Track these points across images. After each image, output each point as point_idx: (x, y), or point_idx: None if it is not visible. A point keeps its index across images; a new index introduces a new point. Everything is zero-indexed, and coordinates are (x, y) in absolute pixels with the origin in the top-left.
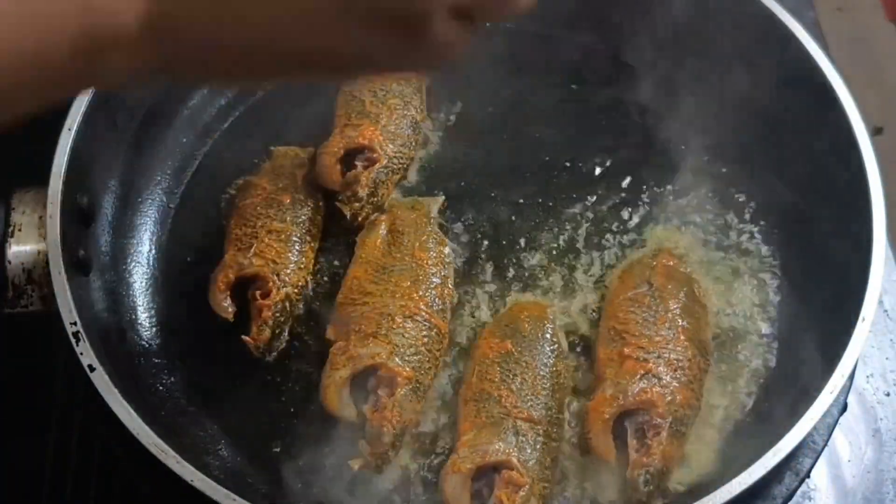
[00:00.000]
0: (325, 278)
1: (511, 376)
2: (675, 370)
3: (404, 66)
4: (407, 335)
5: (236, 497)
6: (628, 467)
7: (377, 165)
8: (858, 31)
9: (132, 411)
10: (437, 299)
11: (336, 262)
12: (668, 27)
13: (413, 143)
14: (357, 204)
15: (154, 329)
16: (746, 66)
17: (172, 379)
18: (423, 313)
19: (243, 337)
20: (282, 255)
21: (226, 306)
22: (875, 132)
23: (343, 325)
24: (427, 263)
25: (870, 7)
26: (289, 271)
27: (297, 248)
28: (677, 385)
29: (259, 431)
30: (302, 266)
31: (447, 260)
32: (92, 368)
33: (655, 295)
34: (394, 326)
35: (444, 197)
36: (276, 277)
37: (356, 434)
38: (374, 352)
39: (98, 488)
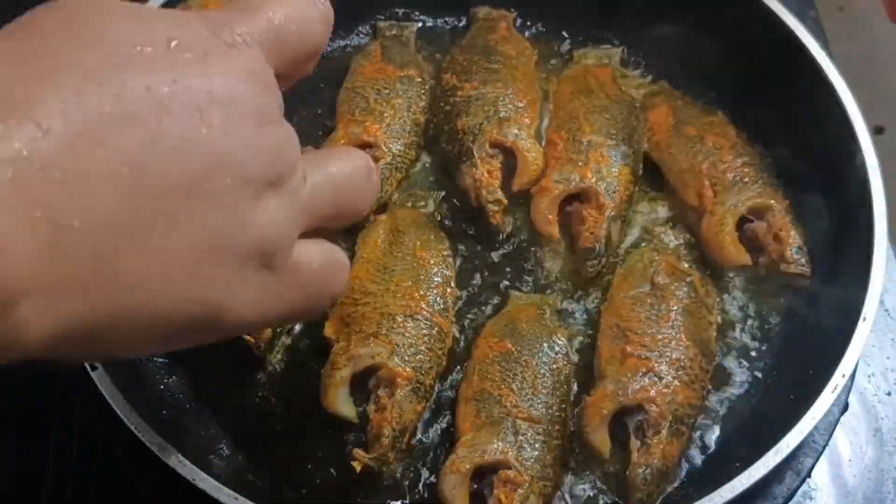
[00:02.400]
0: None
1: (511, 375)
2: (677, 369)
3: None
4: (408, 335)
5: (238, 496)
6: (629, 466)
7: (381, 162)
8: (860, 30)
9: (133, 410)
10: (438, 298)
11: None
12: (667, 28)
13: (416, 144)
14: None
15: None
16: (747, 66)
17: (174, 378)
18: (425, 312)
19: (244, 336)
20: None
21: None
22: (876, 131)
23: (343, 324)
24: (428, 262)
25: (871, 7)
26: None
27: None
28: (678, 384)
29: (260, 431)
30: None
31: (448, 259)
32: (93, 367)
33: (658, 294)
34: (394, 326)
35: (444, 194)
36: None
37: (358, 434)
38: (374, 352)
39: (99, 488)
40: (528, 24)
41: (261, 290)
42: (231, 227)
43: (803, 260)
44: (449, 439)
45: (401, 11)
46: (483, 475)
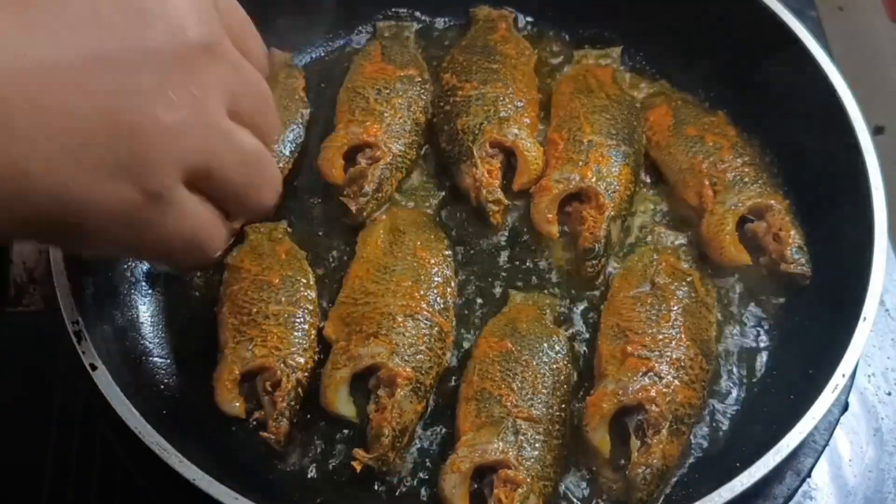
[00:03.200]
0: (326, 279)
1: (511, 375)
2: (678, 369)
3: (146, 246)
4: (408, 334)
5: (238, 496)
6: (629, 466)
7: (382, 161)
8: (860, 30)
9: (133, 410)
10: (438, 298)
11: (335, 264)
12: (667, 28)
13: (417, 143)
14: (363, 199)
15: (155, 328)
16: (747, 65)
17: (174, 378)
18: (425, 312)
19: (263, 434)
20: (284, 340)
21: (236, 406)
22: (876, 131)
23: (344, 324)
24: (429, 262)
25: (871, 6)
26: (295, 355)
27: (298, 328)
28: (678, 384)
29: (261, 430)
30: (307, 346)
31: (448, 258)
32: (93, 367)
33: (658, 294)
34: (395, 326)
35: (443, 195)
36: (283, 366)
37: (359, 433)
38: (374, 352)
39: (99, 487)
40: (528, 23)
41: (130, 212)
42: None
43: (803, 260)
44: (449, 439)
45: (401, 11)
46: (484, 474)
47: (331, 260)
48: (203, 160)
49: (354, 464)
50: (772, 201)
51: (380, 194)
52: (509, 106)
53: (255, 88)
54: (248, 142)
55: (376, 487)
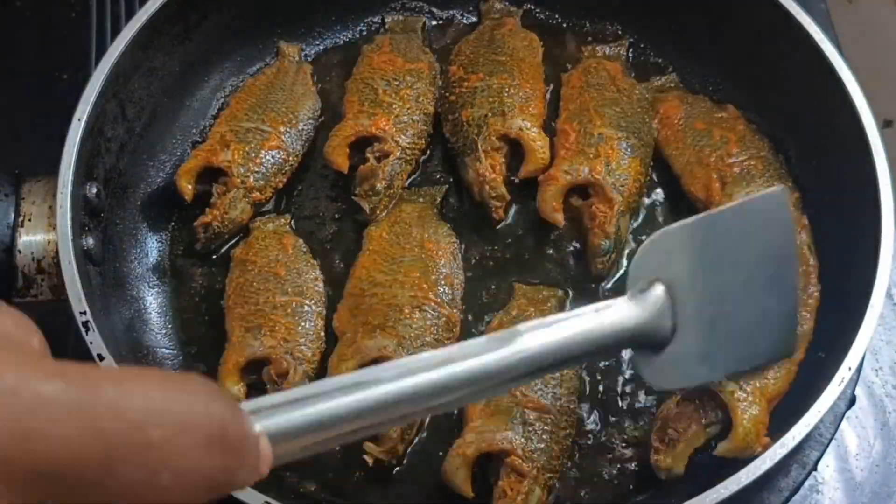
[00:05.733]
0: (333, 272)
1: None
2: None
3: None
4: (415, 326)
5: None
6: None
7: (391, 157)
8: (869, 23)
9: None
10: (446, 289)
11: (341, 257)
12: (676, 22)
13: (425, 135)
14: (375, 198)
15: (162, 319)
16: (755, 59)
17: (181, 370)
18: (432, 303)
19: None
20: (292, 331)
21: (237, 389)
22: (885, 125)
23: (351, 315)
24: (436, 254)
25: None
26: (302, 347)
27: (306, 318)
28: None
29: None
30: (314, 338)
31: (455, 250)
32: (101, 358)
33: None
34: (402, 318)
35: (447, 186)
36: (290, 357)
37: None
38: (381, 344)
39: None
40: (538, 16)
41: None
42: None
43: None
44: (456, 425)
45: (410, 4)
46: (490, 462)
47: (337, 253)
48: None
49: (366, 457)
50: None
51: (391, 190)
52: (515, 97)
53: None
54: None
55: (383, 473)
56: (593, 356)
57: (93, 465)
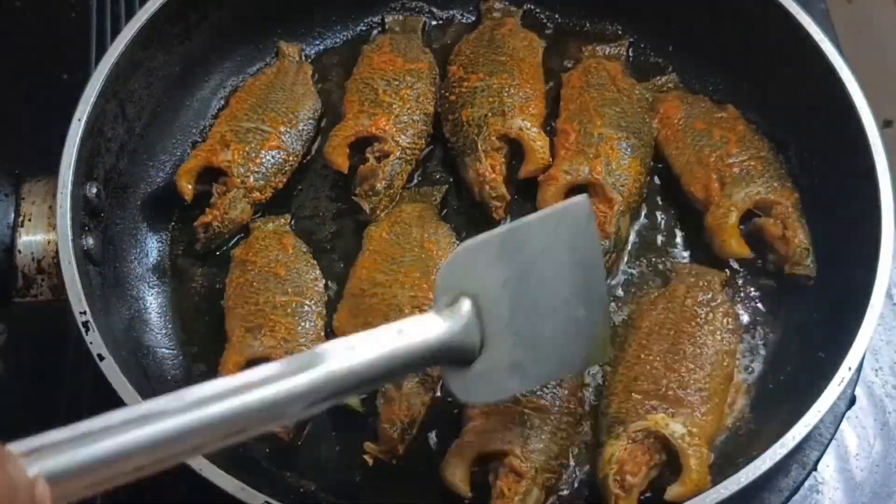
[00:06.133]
0: (333, 272)
1: None
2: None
3: None
4: None
5: (245, 486)
6: None
7: (391, 157)
8: (868, 22)
9: (141, 400)
10: None
11: (341, 257)
12: (676, 21)
13: (425, 135)
14: (375, 198)
15: (162, 319)
16: (755, 59)
17: (181, 369)
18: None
19: (277, 431)
20: (292, 331)
21: None
22: (885, 125)
23: (352, 315)
24: (436, 254)
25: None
26: (302, 347)
27: (306, 318)
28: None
29: None
30: (314, 337)
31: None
32: (101, 357)
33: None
34: (402, 317)
35: (447, 186)
36: None
37: (367, 423)
38: None
39: None
40: (538, 16)
41: None
42: None
43: (808, 261)
44: (455, 425)
45: (410, 4)
46: (489, 461)
47: (337, 253)
48: None
49: (366, 457)
50: (778, 197)
51: (391, 190)
52: (515, 97)
53: None
54: None
55: (383, 473)
56: (400, 374)
57: None
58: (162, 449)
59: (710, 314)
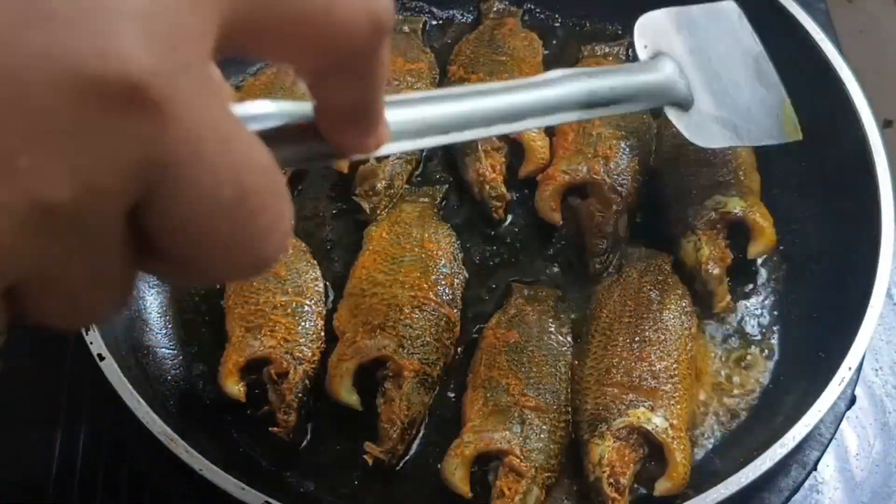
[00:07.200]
0: (333, 273)
1: (517, 365)
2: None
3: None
4: (415, 326)
5: (245, 486)
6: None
7: (391, 157)
8: (869, 22)
9: (141, 400)
10: (447, 289)
11: (341, 258)
12: None
13: None
14: (375, 198)
15: (162, 319)
16: None
17: (181, 370)
18: (432, 303)
19: (272, 429)
20: (292, 331)
21: (237, 388)
22: (885, 125)
23: (351, 315)
24: (436, 254)
25: None
26: (302, 347)
27: (306, 318)
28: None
29: (270, 422)
30: (314, 337)
31: (456, 250)
32: (101, 357)
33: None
34: (402, 318)
35: (447, 186)
36: (290, 357)
37: (367, 422)
38: (381, 344)
39: (106, 477)
40: (538, 16)
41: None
42: None
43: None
44: (453, 425)
45: (410, 4)
46: (489, 461)
47: (337, 253)
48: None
49: (366, 457)
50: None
51: (391, 190)
52: None
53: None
54: None
55: (383, 473)
56: (628, 104)
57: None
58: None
59: (666, 297)
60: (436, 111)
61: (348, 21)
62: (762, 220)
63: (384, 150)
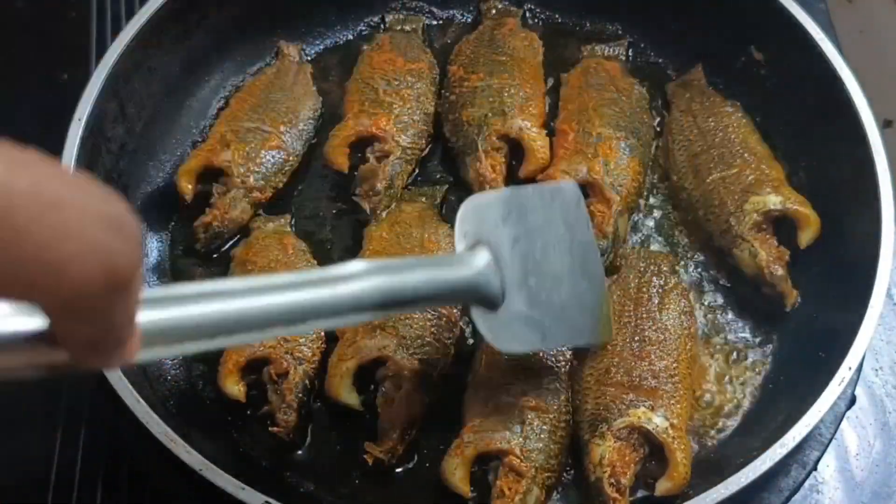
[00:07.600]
0: None
1: (517, 365)
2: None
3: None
4: (415, 326)
5: (245, 486)
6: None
7: (392, 157)
8: (869, 23)
9: (141, 400)
10: None
11: (339, 260)
12: (675, 21)
13: (426, 134)
14: (375, 198)
15: None
16: (754, 59)
17: (181, 370)
18: None
19: (272, 429)
20: None
21: (237, 388)
22: (885, 125)
23: None
24: (436, 254)
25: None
26: (302, 347)
27: None
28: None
29: (270, 423)
30: (314, 337)
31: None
32: None
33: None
34: (402, 317)
35: (447, 186)
36: (290, 357)
37: (366, 422)
38: (381, 344)
39: (106, 476)
40: (538, 16)
41: None
42: None
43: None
44: (453, 425)
45: (411, 3)
46: (488, 460)
47: (337, 253)
48: None
49: (366, 457)
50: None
51: (391, 190)
52: (515, 97)
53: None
54: None
55: (383, 473)
56: (428, 302)
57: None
58: (233, 325)
59: (666, 298)
60: (203, 311)
61: (80, 275)
62: (802, 207)
63: (137, 360)
